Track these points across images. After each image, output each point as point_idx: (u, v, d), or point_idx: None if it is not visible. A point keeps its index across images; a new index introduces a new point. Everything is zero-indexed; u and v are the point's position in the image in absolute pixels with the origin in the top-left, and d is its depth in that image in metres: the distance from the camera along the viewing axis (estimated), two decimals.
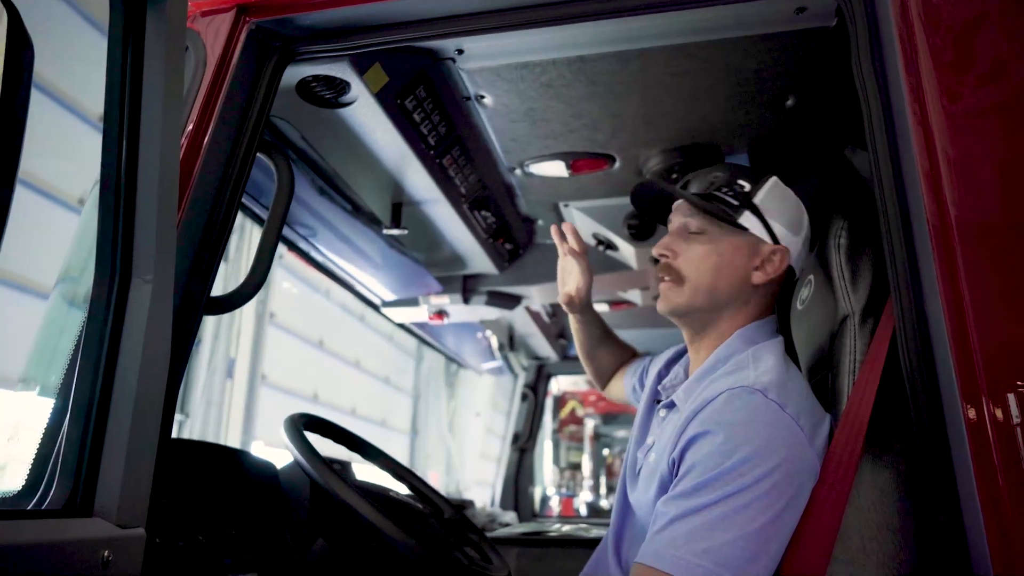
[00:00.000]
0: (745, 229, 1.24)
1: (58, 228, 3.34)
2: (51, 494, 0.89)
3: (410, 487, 1.59)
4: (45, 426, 0.96)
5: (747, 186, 1.25)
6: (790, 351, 1.32)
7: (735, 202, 1.24)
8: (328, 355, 6.21)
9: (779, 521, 1.01)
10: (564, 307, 1.74)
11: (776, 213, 1.26)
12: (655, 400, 1.39)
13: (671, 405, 1.29)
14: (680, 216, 1.30)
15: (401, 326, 2.84)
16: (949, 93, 0.96)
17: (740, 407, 1.09)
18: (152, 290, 0.97)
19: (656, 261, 1.32)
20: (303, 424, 1.37)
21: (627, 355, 1.86)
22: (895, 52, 1.00)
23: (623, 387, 1.79)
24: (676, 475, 1.10)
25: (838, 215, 1.28)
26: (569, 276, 1.67)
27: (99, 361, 0.94)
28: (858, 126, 1.45)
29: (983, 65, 0.97)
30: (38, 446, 0.95)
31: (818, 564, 1.00)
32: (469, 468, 5.71)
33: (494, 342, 3.19)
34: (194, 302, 1.15)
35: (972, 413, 0.86)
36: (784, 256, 1.26)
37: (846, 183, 1.56)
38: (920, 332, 0.94)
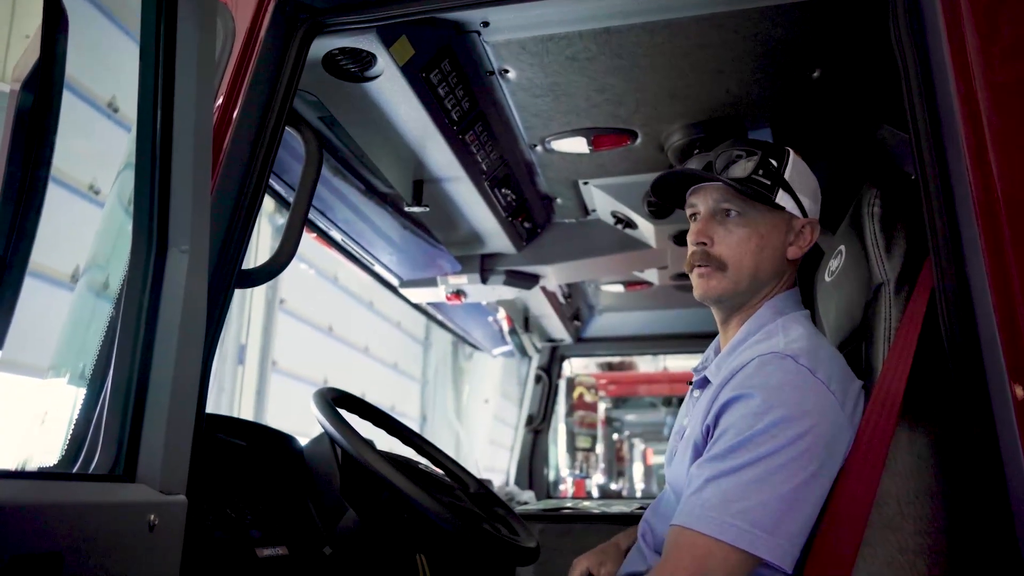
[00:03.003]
0: (782, 208, 1.24)
1: (66, 213, 3.33)
2: (95, 460, 0.89)
3: (436, 462, 1.60)
4: (86, 393, 0.97)
5: (776, 164, 1.25)
6: (815, 323, 1.32)
7: (767, 181, 1.23)
8: (337, 341, 6.22)
9: (812, 483, 1.02)
10: None
11: (802, 186, 1.27)
12: (687, 384, 1.39)
13: (704, 383, 1.29)
14: (711, 200, 1.26)
15: (416, 307, 2.83)
16: (994, 60, 0.94)
17: (772, 371, 1.10)
18: (188, 260, 0.98)
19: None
20: (332, 399, 1.37)
21: None
22: (936, 17, 0.99)
23: None
24: (710, 440, 1.11)
25: (869, 185, 1.28)
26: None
27: (138, 331, 0.94)
28: (885, 97, 1.44)
29: None
30: (81, 413, 0.95)
31: (854, 529, 1.01)
32: (478, 454, 5.74)
33: (505, 326, 3.19)
34: (226, 274, 1.15)
35: (1019, 387, 0.85)
36: (814, 228, 1.27)
37: (872, 154, 1.55)
38: (961, 300, 0.93)
